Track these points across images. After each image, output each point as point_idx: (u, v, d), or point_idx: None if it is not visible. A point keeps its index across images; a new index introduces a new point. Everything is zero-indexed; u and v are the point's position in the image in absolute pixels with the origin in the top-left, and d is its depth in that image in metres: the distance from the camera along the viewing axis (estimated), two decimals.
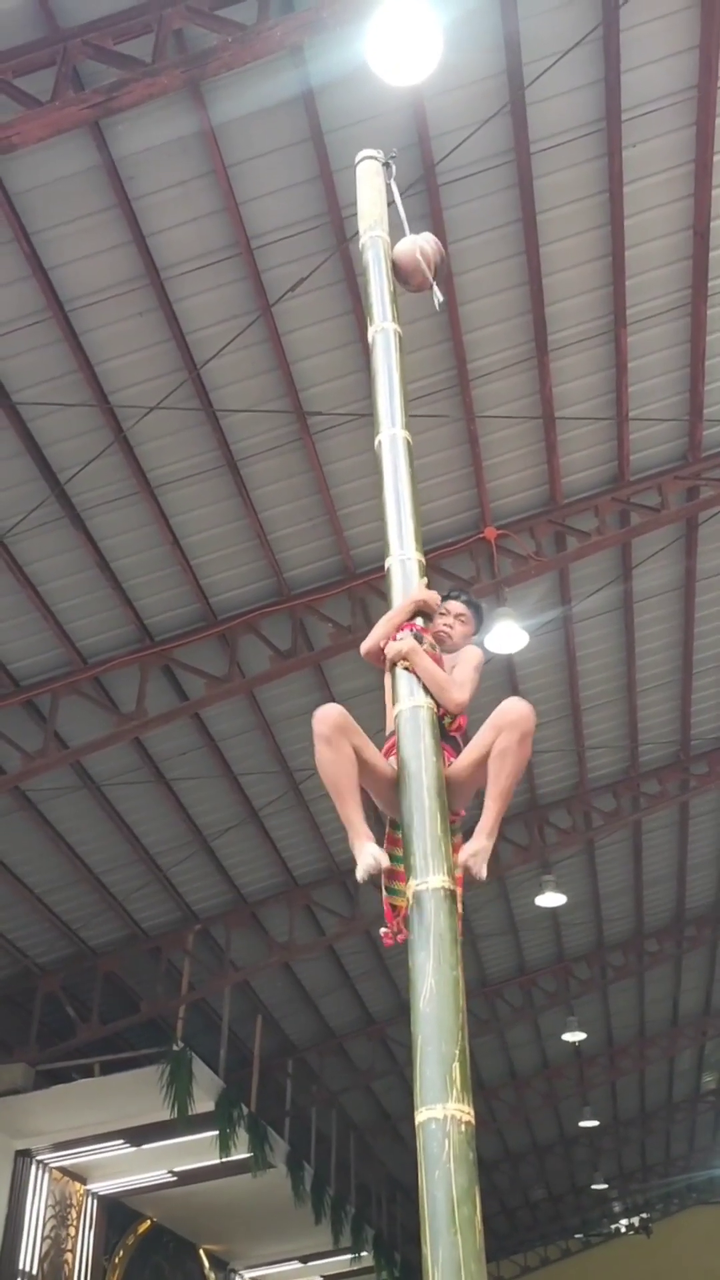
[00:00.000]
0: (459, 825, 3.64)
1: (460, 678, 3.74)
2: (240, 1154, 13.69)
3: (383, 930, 3.33)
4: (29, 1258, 12.52)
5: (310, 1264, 19.71)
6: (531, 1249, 31.64)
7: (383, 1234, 22.50)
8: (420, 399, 8.60)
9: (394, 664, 3.60)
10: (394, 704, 3.59)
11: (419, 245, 4.54)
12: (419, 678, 3.53)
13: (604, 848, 15.54)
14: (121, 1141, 13.11)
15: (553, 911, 16.27)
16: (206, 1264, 17.68)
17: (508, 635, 10.20)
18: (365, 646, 3.78)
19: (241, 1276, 19.15)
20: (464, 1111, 2.77)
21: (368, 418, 8.03)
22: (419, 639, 3.63)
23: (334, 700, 11.31)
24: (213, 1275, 17.82)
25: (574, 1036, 19.55)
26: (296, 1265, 19.59)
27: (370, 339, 4.32)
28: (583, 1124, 24.47)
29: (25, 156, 6.73)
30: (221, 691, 10.12)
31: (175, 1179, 14.38)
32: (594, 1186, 28.61)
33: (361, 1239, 19.62)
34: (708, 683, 13.08)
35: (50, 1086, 13.02)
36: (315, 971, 16.12)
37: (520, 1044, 20.71)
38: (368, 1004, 17.39)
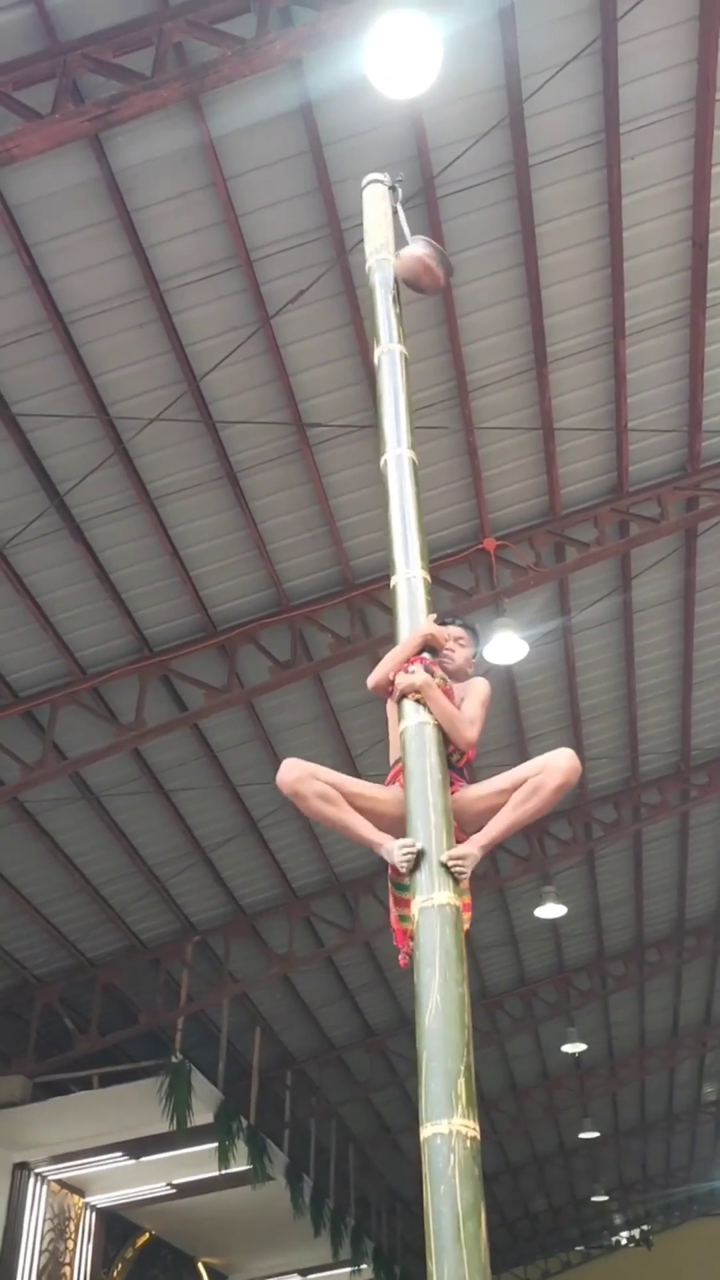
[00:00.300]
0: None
1: (469, 714, 3.74)
2: (239, 1166, 13.62)
3: (400, 957, 3.34)
4: (27, 1271, 12.43)
5: (309, 1277, 19.60)
6: (531, 1262, 31.42)
7: (382, 1246, 22.38)
8: (420, 410, 8.53)
9: (403, 696, 3.60)
10: (399, 722, 3.59)
11: (415, 251, 4.63)
12: (431, 712, 3.53)
13: (604, 858, 15.50)
14: (120, 1154, 13.02)
15: (553, 922, 16.23)
16: (205, 1277, 17.58)
17: (507, 646, 10.19)
18: (373, 680, 3.77)
19: None
20: (469, 1127, 2.76)
21: (367, 429, 8.09)
22: (430, 673, 3.62)
23: (332, 711, 11.33)
24: None
25: (574, 1047, 19.51)
26: (296, 1278, 19.47)
27: (375, 360, 4.38)
28: (583, 1135, 24.29)
29: (25, 168, 6.76)
30: (220, 702, 10.12)
31: (174, 1191, 14.29)
32: (594, 1198, 28.44)
33: (361, 1251, 19.51)
34: (707, 693, 13.07)
35: (48, 1099, 12.97)
36: (314, 983, 16.06)
37: (520, 1055, 20.63)
38: (367, 1016, 17.34)
